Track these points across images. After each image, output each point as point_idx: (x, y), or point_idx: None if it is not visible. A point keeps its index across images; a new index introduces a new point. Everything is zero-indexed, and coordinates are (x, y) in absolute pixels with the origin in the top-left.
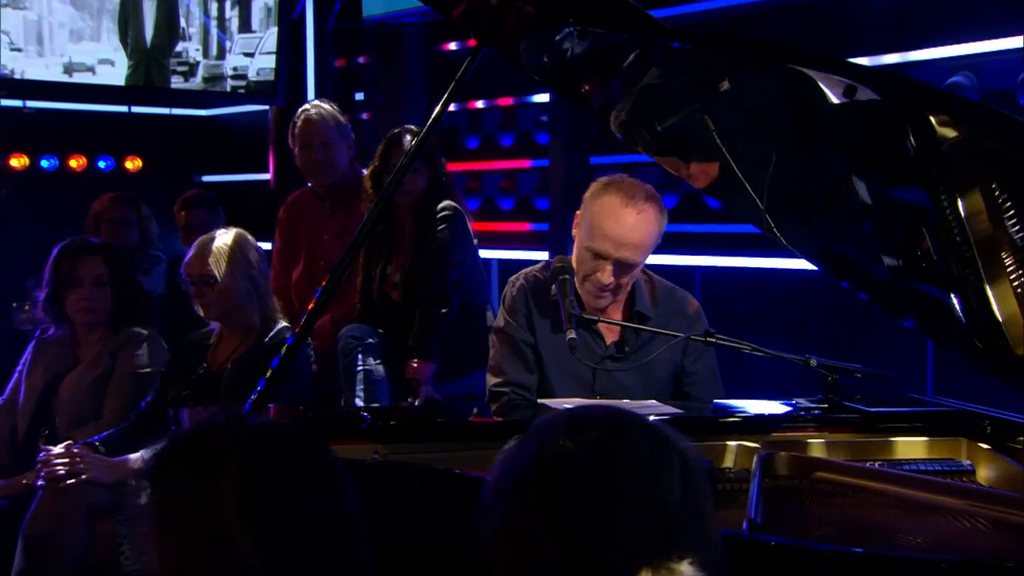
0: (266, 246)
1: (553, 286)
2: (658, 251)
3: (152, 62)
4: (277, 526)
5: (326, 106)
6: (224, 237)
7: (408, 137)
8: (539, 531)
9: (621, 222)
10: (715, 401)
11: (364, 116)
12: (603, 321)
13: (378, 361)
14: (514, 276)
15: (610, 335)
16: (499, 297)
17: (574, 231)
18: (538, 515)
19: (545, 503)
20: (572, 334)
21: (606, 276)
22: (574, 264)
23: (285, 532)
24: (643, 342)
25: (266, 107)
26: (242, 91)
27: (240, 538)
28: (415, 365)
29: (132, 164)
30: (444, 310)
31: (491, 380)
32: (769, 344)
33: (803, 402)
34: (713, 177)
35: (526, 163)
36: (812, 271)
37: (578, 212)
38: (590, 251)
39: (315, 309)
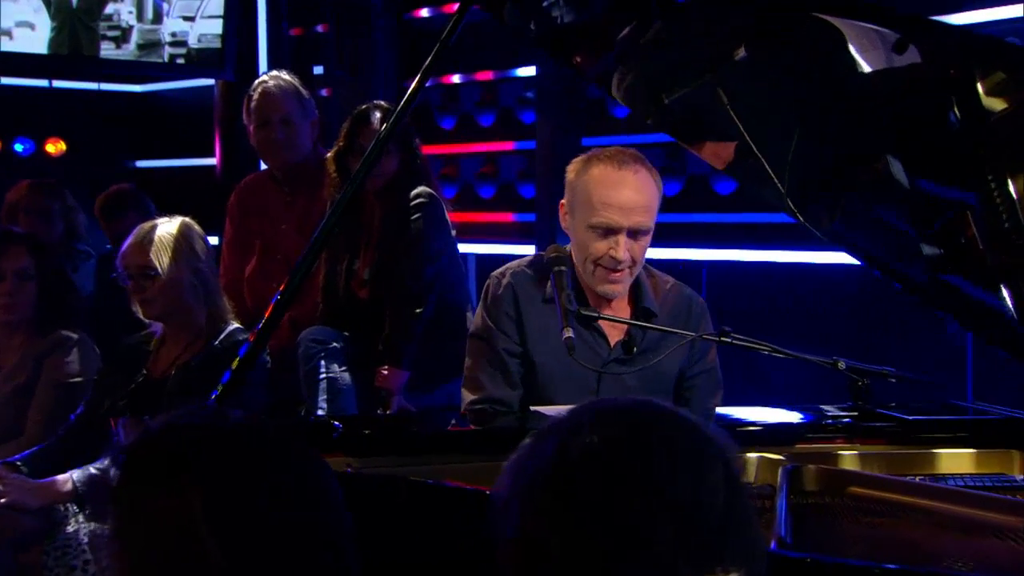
0: (213, 241)
1: (549, 282)
2: (660, 244)
3: (79, 25)
4: (253, 537)
5: (287, 77)
6: (167, 226)
7: (377, 114)
8: (560, 541)
9: (623, 187)
10: (734, 410)
11: (324, 93)
12: (604, 318)
13: (343, 368)
14: (498, 272)
15: (614, 334)
16: (479, 296)
17: (564, 220)
18: (559, 522)
19: (568, 508)
20: (569, 333)
21: (621, 251)
22: (575, 253)
23: (262, 543)
24: (652, 341)
25: (211, 82)
26: (182, 60)
27: (212, 551)
28: (385, 373)
29: (55, 147)
30: (418, 310)
31: (467, 396)
32: (786, 347)
33: (831, 410)
34: (728, 157)
35: (509, 145)
36: (834, 265)
37: (563, 201)
38: (598, 228)
39: (273, 316)
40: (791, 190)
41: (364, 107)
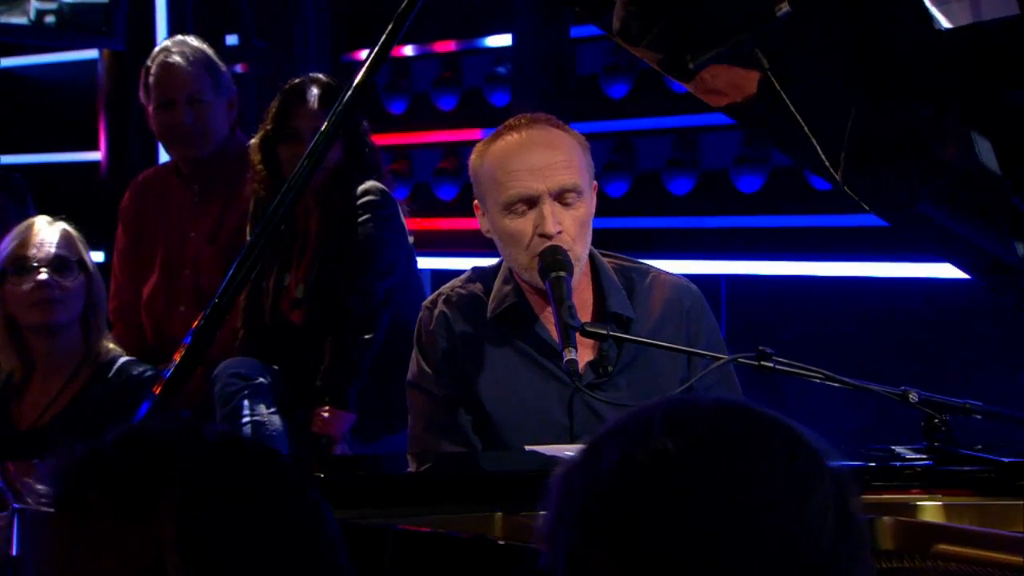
0: (97, 257)
1: (503, 287)
2: (667, 254)
3: None
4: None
5: (195, 44)
6: (59, 223)
7: (315, 90)
8: (624, 570)
9: (530, 147)
10: None
11: (238, 68)
12: (619, 336)
13: (272, 410)
14: (428, 301)
15: (585, 353)
16: None
17: (481, 224)
18: (623, 551)
19: (634, 533)
20: (572, 354)
21: (549, 222)
22: (507, 257)
23: None
24: (632, 355)
25: (93, 53)
26: (52, 20)
27: None
28: (326, 415)
29: None
30: (367, 336)
31: (411, 462)
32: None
33: (902, 451)
34: (768, 126)
35: (476, 134)
36: (890, 278)
37: (475, 201)
38: (514, 205)
39: (187, 362)
40: (849, 176)
41: (297, 81)
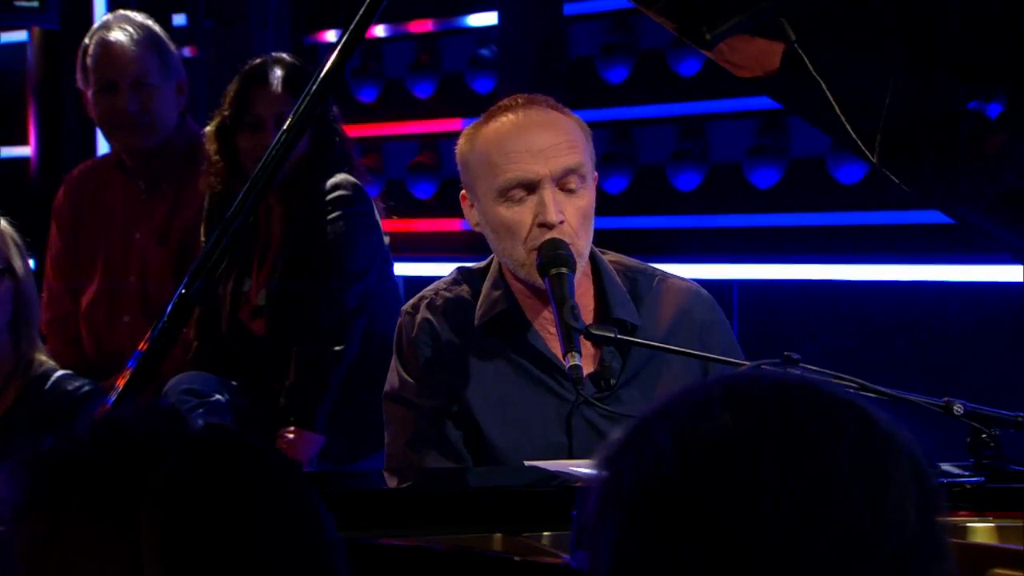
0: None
1: (493, 292)
2: (672, 258)
3: None
4: None
5: (140, 20)
6: None
7: (279, 72)
8: (678, 562)
9: (529, 128)
10: None
11: (187, 52)
12: (625, 340)
13: None
14: (408, 305)
15: (585, 364)
16: None
17: (470, 216)
18: (678, 536)
19: (691, 524)
20: (575, 359)
21: (550, 210)
22: (499, 251)
23: None
24: (638, 367)
25: (22, 35)
26: None
27: None
28: (291, 437)
29: None
30: (337, 349)
31: (390, 480)
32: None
33: (948, 468)
34: (798, 101)
35: (455, 124)
36: (927, 282)
37: (462, 192)
38: (511, 190)
39: (134, 382)
40: (887, 156)
41: (258, 62)
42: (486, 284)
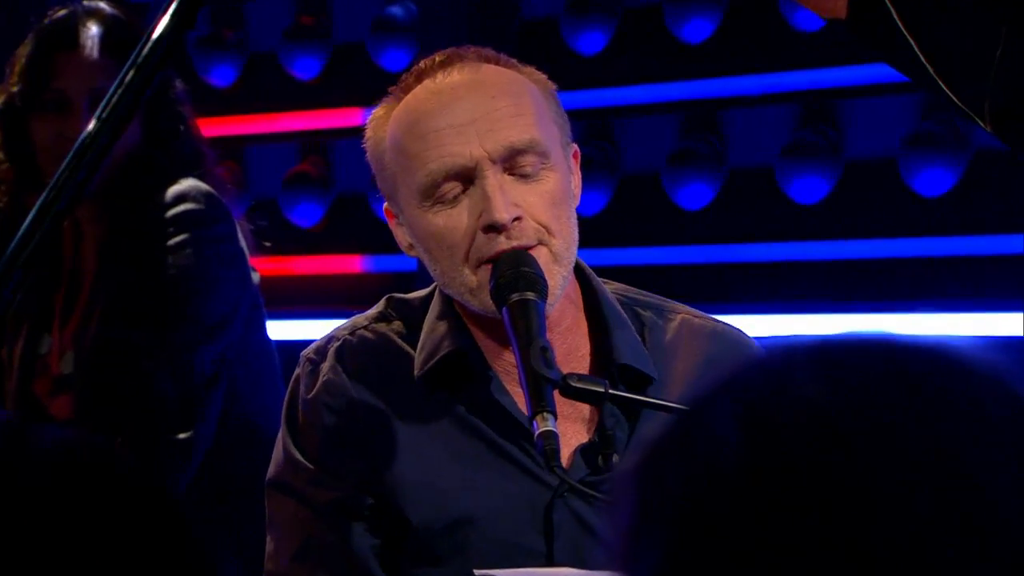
0: None
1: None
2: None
3: None
4: None
5: None
6: None
7: (93, 28)
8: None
9: (455, 94)
10: None
11: None
12: (621, 397)
13: None
14: (310, 350)
15: (571, 429)
16: None
17: (399, 235)
18: (748, 560)
19: (764, 533)
20: (548, 424)
21: (497, 204)
22: (439, 269)
23: None
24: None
25: None
26: None
27: None
28: None
29: None
30: (183, 437)
31: None
32: None
33: None
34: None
35: (352, 116)
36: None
37: (386, 205)
38: (441, 180)
39: None
40: (1000, 123)
41: (62, 15)
42: (429, 317)
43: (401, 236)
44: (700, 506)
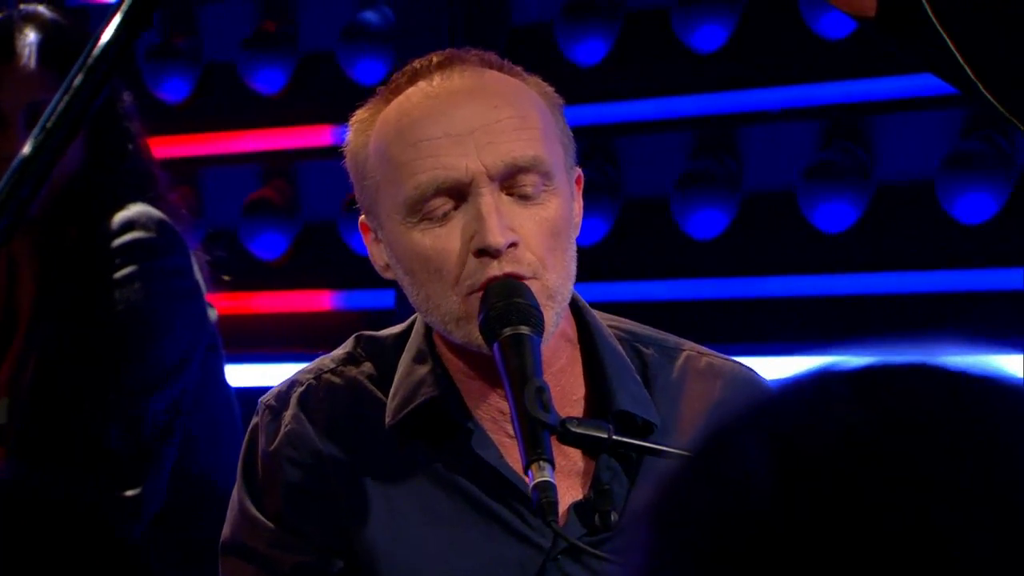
0: None
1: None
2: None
3: None
4: None
5: None
6: None
7: (31, 35)
8: None
9: (451, 101)
10: None
11: None
12: (627, 443)
13: None
14: (269, 396)
15: (568, 484)
16: None
17: (374, 253)
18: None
19: (801, 552)
20: (545, 474)
21: (492, 228)
22: (421, 296)
23: None
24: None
25: None
26: None
27: None
28: None
29: None
30: (132, 494)
31: None
32: None
33: None
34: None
35: (320, 134)
36: None
37: (361, 219)
38: (430, 195)
39: None
40: None
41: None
42: (404, 358)
43: (377, 254)
44: (728, 544)
